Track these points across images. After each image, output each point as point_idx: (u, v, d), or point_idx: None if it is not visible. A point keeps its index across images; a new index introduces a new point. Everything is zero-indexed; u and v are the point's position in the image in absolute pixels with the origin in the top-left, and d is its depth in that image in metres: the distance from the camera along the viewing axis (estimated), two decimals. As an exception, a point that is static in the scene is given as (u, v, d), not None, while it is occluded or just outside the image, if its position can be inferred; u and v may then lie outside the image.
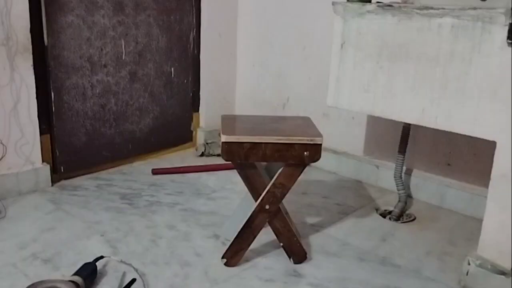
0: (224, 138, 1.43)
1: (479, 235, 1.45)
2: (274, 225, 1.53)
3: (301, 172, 1.48)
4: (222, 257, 1.54)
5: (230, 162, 1.46)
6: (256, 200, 1.50)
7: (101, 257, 1.48)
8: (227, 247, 1.54)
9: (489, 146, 1.41)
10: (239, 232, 1.52)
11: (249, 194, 1.54)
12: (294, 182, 1.49)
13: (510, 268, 1.38)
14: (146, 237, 1.71)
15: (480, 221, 1.47)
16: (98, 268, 1.45)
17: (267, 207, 1.49)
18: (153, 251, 1.63)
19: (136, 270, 1.49)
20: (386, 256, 1.65)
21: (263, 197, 1.49)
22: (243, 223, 1.51)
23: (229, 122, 1.64)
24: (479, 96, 1.40)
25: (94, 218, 1.84)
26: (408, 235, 1.82)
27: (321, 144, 1.45)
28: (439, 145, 2.06)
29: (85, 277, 1.37)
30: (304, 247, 1.59)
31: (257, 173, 1.49)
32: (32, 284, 1.31)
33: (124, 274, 1.47)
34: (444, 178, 2.07)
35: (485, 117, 1.39)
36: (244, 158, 1.44)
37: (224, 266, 1.54)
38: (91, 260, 1.46)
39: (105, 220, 1.82)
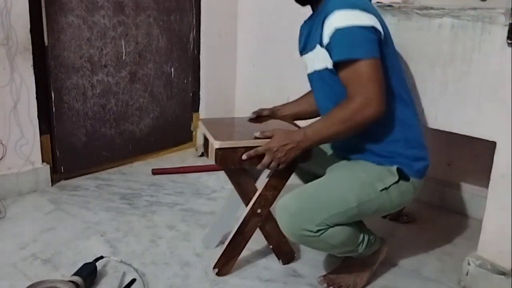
0: (218, 145, 1.32)
1: (479, 235, 1.45)
2: (265, 229, 1.49)
3: (291, 173, 1.43)
4: (214, 267, 1.48)
5: None
6: (247, 205, 1.45)
7: (101, 257, 1.48)
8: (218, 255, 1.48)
9: (489, 147, 1.41)
10: (231, 240, 1.45)
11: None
12: (285, 183, 1.44)
13: (510, 268, 1.38)
14: (146, 237, 1.71)
15: (480, 221, 1.47)
16: (98, 268, 1.45)
17: (258, 211, 1.44)
18: (153, 251, 1.63)
19: (136, 270, 1.49)
20: (386, 256, 1.65)
21: (255, 201, 1.43)
22: (233, 230, 1.45)
23: (215, 127, 1.49)
24: (479, 96, 1.40)
25: (94, 218, 1.84)
26: (408, 235, 1.82)
27: None
28: (439, 145, 2.06)
29: (85, 277, 1.37)
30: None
31: (249, 178, 1.44)
32: (32, 285, 1.31)
33: (124, 274, 1.48)
34: (444, 178, 2.07)
35: (485, 117, 1.39)
36: (238, 163, 1.35)
37: (224, 266, 1.54)
38: (91, 260, 1.46)
39: (105, 220, 1.82)
